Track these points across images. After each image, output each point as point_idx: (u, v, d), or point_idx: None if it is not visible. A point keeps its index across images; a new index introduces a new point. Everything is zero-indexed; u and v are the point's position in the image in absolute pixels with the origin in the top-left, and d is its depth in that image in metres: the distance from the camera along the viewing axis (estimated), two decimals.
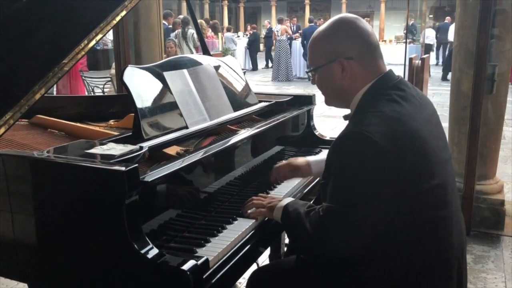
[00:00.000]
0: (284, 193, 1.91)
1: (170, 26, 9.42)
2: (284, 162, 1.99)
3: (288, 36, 13.66)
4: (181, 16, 9.82)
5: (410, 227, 1.39)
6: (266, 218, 1.66)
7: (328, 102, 1.64)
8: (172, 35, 8.79)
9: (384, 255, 1.41)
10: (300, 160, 1.98)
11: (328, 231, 1.39)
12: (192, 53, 8.14)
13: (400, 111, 1.41)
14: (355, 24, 1.51)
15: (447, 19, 16.24)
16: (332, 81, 1.53)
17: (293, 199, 1.64)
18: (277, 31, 13.72)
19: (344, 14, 1.62)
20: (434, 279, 1.43)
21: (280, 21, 14.21)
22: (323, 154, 2.10)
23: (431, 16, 22.95)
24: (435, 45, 16.36)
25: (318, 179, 2.03)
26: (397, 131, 1.35)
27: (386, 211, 1.35)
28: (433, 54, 15.87)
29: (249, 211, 1.66)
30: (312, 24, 13.67)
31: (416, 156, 1.36)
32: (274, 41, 14.54)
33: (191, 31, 8.56)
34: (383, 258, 1.41)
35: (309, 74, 1.62)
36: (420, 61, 4.01)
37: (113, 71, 7.17)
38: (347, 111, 1.59)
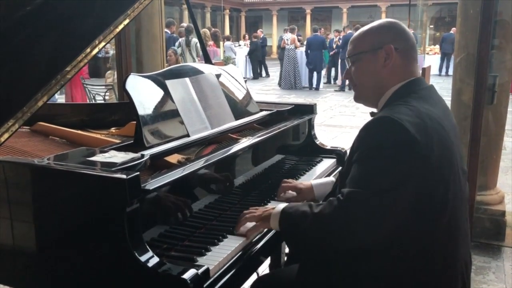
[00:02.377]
0: (285, 200, 1.90)
1: (174, 34, 9.46)
2: (290, 184, 1.95)
3: (296, 46, 13.70)
4: (184, 25, 9.86)
5: (421, 232, 1.37)
6: (266, 229, 1.65)
7: (359, 96, 1.63)
8: (176, 43, 8.84)
9: (389, 263, 1.40)
10: (305, 184, 1.94)
11: (351, 216, 1.33)
12: (195, 61, 8.18)
13: (431, 110, 1.42)
14: (401, 24, 1.58)
15: (453, 30, 16.35)
16: (372, 70, 1.54)
17: (287, 203, 1.58)
18: (287, 39, 13.75)
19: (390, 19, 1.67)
20: None
21: (292, 30, 14.28)
22: (328, 177, 2.09)
23: (431, 26, 23.06)
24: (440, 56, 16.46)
25: None
26: (427, 125, 1.35)
27: (409, 203, 1.33)
28: (436, 64, 15.93)
29: (241, 228, 1.59)
30: (317, 33, 13.71)
31: (442, 154, 1.36)
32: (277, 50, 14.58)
33: (195, 39, 8.60)
34: (387, 267, 1.40)
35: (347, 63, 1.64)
36: (421, 71, 4.02)
37: (109, 79, 7.21)
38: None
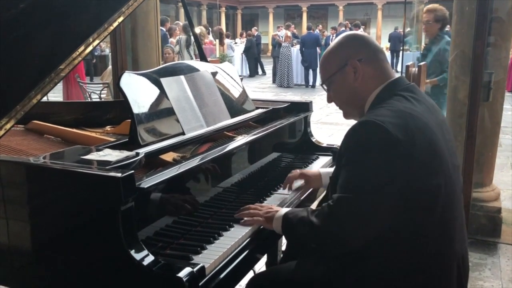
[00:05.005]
0: (281, 198, 1.91)
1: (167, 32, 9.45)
2: (297, 172, 1.99)
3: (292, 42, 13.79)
4: (179, 22, 9.86)
5: (414, 226, 1.38)
6: (262, 226, 1.65)
7: (346, 113, 1.68)
8: (173, 41, 8.81)
9: (384, 258, 1.41)
10: (312, 171, 1.98)
11: (340, 221, 1.38)
12: (192, 59, 8.17)
13: (413, 108, 1.44)
14: (357, 34, 1.66)
15: (447, 27, 16.35)
16: (346, 86, 1.58)
17: (289, 208, 1.64)
18: (281, 36, 13.78)
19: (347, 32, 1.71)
20: (432, 283, 1.43)
21: (287, 27, 14.31)
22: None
23: None
24: None
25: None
26: (408, 124, 1.38)
27: (396, 203, 1.35)
28: None
29: (245, 218, 1.65)
30: (311, 31, 13.72)
31: (426, 150, 1.38)
32: (274, 47, 14.65)
33: None
34: (383, 262, 1.41)
35: (325, 90, 1.67)
36: (416, 69, 4.01)
37: (108, 77, 7.16)
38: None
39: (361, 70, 1.55)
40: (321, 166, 2.34)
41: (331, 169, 2.01)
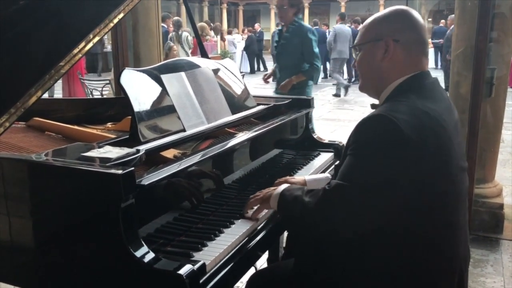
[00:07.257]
0: None
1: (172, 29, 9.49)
2: (282, 179, 1.94)
3: None
4: (175, 18, 9.91)
5: (418, 227, 1.37)
6: (264, 223, 1.65)
7: (362, 86, 1.62)
8: (168, 37, 8.84)
9: (385, 258, 1.39)
10: (297, 179, 1.92)
11: (333, 207, 1.36)
12: (187, 55, 8.19)
13: (431, 107, 1.39)
14: (411, 15, 1.53)
15: (442, 22, 16.28)
16: (372, 61, 1.52)
17: (288, 185, 1.62)
18: None
19: (404, 6, 1.63)
20: (433, 285, 1.42)
21: None
22: (322, 173, 2.08)
23: (430, 19, 23.02)
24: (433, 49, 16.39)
25: None
26: (424, 124, 1.34)
27: (397, 202, 1.33)
28: (432, 57, 15.87)
29: (249, 212, 1.64)
30: (317, 27, 13.72)
31: (439, 153, 1.35)
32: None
33: (185, 33, 8.61)
34: (384, 261, 1.39)
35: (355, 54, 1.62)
36: None
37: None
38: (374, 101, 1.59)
39: (392, 51, 1.47)
40: (322, 162, 2.34)
41: (318, 176, 1.99)
